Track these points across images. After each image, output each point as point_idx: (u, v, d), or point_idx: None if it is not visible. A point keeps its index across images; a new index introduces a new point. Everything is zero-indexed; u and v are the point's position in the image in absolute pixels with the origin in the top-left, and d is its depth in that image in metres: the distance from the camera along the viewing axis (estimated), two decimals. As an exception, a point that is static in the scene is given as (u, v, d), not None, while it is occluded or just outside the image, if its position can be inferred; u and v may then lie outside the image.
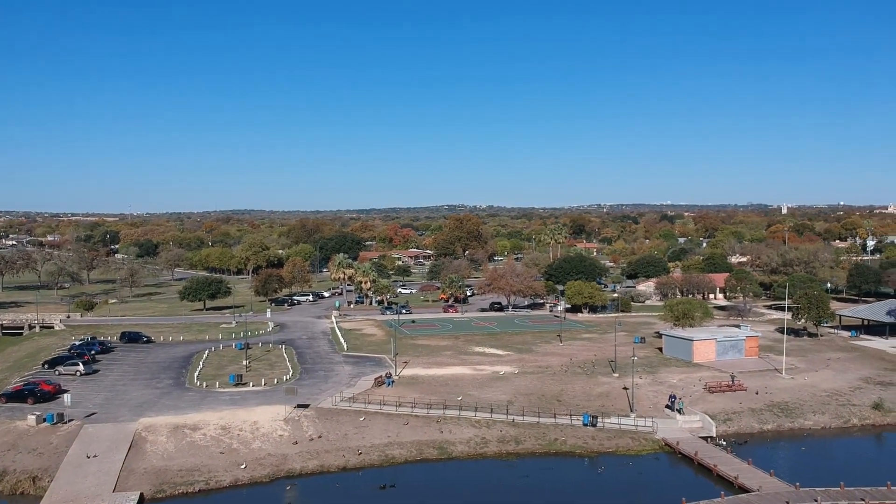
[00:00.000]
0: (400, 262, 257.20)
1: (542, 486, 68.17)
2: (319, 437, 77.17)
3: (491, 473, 71.29)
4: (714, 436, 79.59)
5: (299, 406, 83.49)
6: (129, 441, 74.02)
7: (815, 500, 60.73)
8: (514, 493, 66.17)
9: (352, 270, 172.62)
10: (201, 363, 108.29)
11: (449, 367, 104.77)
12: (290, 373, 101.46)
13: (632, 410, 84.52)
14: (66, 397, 79.09)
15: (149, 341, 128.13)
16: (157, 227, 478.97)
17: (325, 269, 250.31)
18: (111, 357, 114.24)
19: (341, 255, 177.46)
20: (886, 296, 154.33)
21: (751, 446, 77.61)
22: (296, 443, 75.67)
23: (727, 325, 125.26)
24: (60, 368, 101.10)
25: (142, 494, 63.64)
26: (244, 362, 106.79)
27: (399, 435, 78.18)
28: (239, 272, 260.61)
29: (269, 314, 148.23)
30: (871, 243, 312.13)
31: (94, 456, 70.14)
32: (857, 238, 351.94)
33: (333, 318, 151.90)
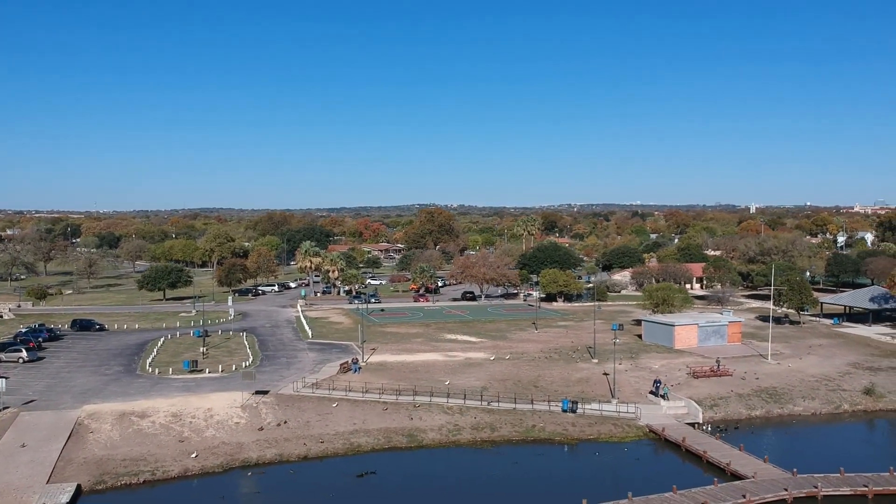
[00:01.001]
0: (370, 255, 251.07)
1: (527, 474, 63.06)
2: (279, 424, 71.36)
3: (472, 461, 66.09)
4: (701, 422, 75.13)
5: (258, 392, 77.55)
6: (69, 429, 67.57)
7: (816, 487, 56.30)
8: (496, 483, 60.97)
9: (319, 259, 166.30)
10: (155, 350, 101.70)
11: (419, 353, 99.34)
12: (251, 360, 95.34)
13: (613, 396, 79.76)
14: (1, 383, 72.35)
15: (101, 329, 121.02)
16: (121, 220, 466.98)
17: (292, 262, 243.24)
18: (59, 344, 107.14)
19: (308, 242, 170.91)
20: (864, 286, 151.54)
21: (740, 433, 73.17)
22: (253, 430, 69.80)
23: (708, 311, 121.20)
24: (2, 355, 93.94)
25: (79, 486, 57.44)
26: (201, 349, 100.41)
27: (366, 422, 72.61)
28: (203, 265, 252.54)
29: (230, 302, 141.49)
30: (841, 239, 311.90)
31: (23, 445, 63.73)
32: (828, 234, 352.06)
33: (299, 307, 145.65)
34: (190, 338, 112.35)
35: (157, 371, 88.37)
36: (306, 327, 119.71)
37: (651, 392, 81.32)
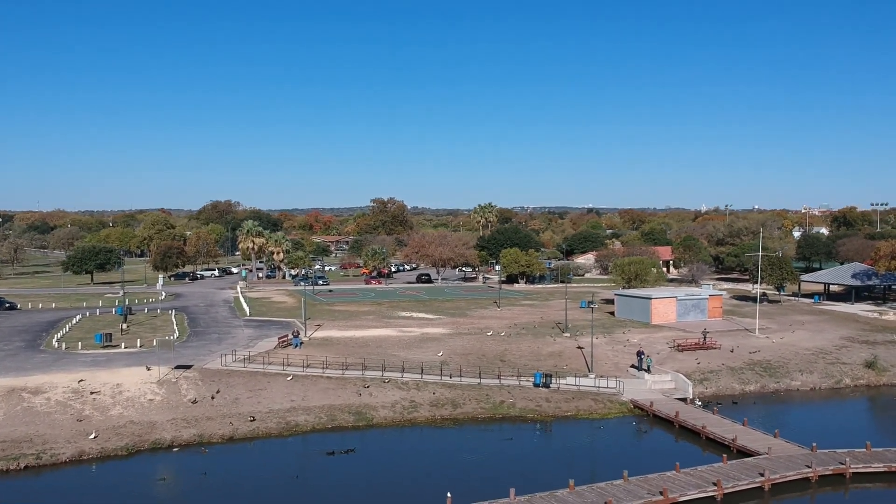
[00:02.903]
0: (320, 244, 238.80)
1: (500, 453, 52.94)
2: (202, 401, 60.09)
3: (435, 439, 55.79)
4: (691, 397, 65.82)
5: (179, 367, 66.06)
6: (-61, 407, 55.45)
7: (843, 463, 47.16)
8: (464, 465, 50.65)
9: (263, 240, 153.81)
10: (68, 327, 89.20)
11: (370, 329, 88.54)
12: (177, 335, 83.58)
13: (590, 371, 70.10)
14: None
15: (12, 308, 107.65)
16: (60, 213, 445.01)
17: (237, 253, 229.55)
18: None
19: (250, 221, 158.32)
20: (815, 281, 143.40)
21: (738, 408, 64.12)
22: (170, 408, 58.47)
23: (685, 288, 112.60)
24: None
25: (-62, 473, 45.64)
26: (121, 326, 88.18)
27: (306, 399, 61.72)
28: (142, 254, 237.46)
29: (160, 282, 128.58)
30: (797, 234, 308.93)
31: None
32: (784, 228, 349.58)
33: (239, 288, 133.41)
34: (111, 316, 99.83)
35: (63, 346, 76.15)
36: (244, 305, 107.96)
37: (633, 366, 71.90)
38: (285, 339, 78.24)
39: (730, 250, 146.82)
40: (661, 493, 42.05)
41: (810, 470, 46.16)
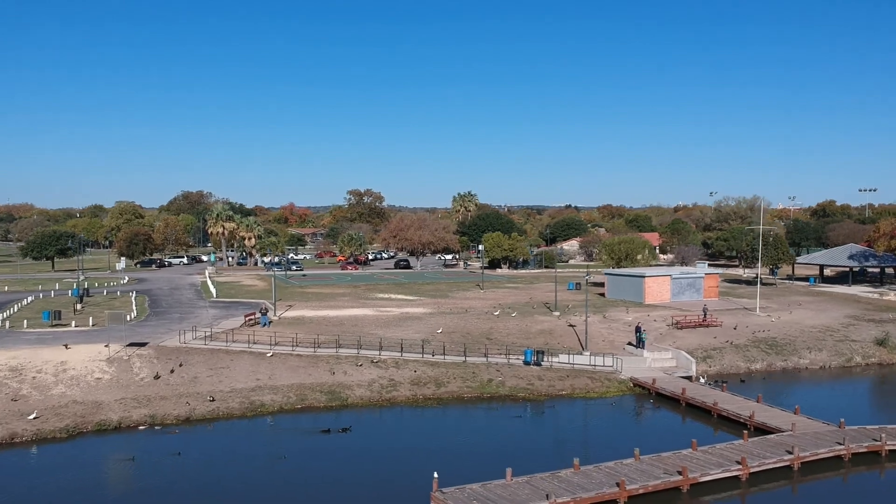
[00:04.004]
0: (294, 233, 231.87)
1: (492, 434, 47.32)
2: (156, 380, 53.82)
3: (421, 419, 50.01)
4: (694, 375, 60.54)
5: (133, 345, 59.64)
6: None
7: (877, 440, 41.96)
8: (455, 447, 44.92)
9: (233, 224, 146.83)
10: (17, 307, 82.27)
11: (346, 309, 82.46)
12: (135, 314, 77.05)
13: (585, 348, 64.61)
14: None
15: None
16: (25, 206, 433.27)
17: (209, 244, 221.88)
18: None
19: (220, 204, 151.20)
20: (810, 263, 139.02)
21: (746, 386, 58.94)
22: (119, 387, 52.18)
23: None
24: None
25: None
26: (76, 305, 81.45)
27: (273, 378, 55.65)
28: (111, 244, 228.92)
29: (122, 264, 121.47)
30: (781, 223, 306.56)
31: None
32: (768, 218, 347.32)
33: (207, 273, 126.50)
34: (66, 297, 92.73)
35: (7, 325, 69.39)
36: (211, 288, 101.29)
37: (630, 343, 66.62)
38: (252, 316, 72.03)
39: (718, 235, 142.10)
40: (679, 473, 36.55)
41: (842, 447, 40.89)
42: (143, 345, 59.93)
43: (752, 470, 37.98)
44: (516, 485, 35.14)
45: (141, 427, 47.35)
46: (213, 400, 51.35)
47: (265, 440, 45.55)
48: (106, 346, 58.22)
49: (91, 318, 71.86)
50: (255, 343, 62.02)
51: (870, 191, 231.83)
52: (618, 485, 34.75)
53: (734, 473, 37.63)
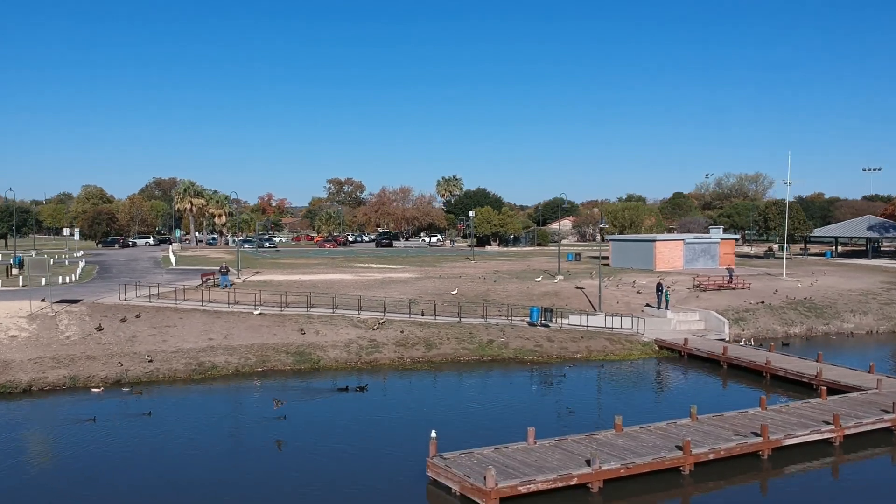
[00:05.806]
0: (271, 218, 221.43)
1: (499, 396, 38.16)
2: (84, 338, 44.07)
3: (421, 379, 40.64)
4: (727, 339, 51.58)
5: (64, 301, 49.87)
6: None
7: None
8: (469, 409, 35.64)
9: (202, 200, 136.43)
10: (-56, 273, 72.09)
11: (321, 274, 72.90)
12: (77, 278, 67.21)
13: (598, 309, 55.57)
14: None
15: None
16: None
17: (182, 232, 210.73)
18: None
19: (188, 180, 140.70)
20: (820, 242, 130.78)
21: (791, 349, 50.11)
22: (39, 345, 42.39)
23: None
24: None
25: None
26: (12, 270, 71.42)
27: (229, 337, 46.04)
28: (73, 226, 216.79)
29: (76, 235, 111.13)
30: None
31: None
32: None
33: (171, 249, 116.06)
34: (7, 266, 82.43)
35: (-79, 285, 59.35)
36: (172, 259, 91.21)
37: (648, 305, 57.69)
38: (210, 276, 62.31)
39: (721, 212, 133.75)
40: (755, 435, 27.47)
41: (950, 406, 32.00)
42: (75, 301, 50.15)
43: (847, 432, 28.99)
44: (542, 448, 25.92)
45: (127, 390, 37.76)
46: (152, 360, 41.68)
47: (215, 406, 36.07)
48: (42, 300, 48.58)
49: (22, 279, 61.86)
50: (210, 302, 52.45)
51: (874, 170, 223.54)
52: (680, 448, 25.61)
53: (826, 436, 28.63)
